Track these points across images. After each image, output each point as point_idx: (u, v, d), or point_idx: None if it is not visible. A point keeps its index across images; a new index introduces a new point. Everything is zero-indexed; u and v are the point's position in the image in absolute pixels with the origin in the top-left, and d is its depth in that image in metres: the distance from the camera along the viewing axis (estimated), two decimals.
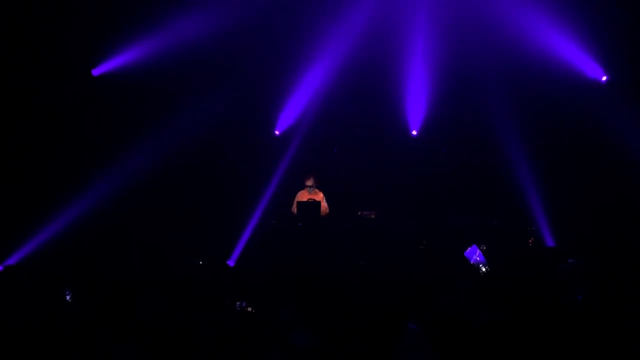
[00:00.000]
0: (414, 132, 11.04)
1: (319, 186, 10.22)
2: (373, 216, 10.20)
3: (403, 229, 9.87)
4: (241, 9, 10.29)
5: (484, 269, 7.19)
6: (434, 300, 5.45)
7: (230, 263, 9.20)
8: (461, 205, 10.46)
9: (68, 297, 5.87)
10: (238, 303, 4.51)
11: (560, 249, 9.27)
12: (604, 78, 10.34)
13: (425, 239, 9.39)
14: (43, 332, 4.76)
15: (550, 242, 9.69)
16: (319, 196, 10.12)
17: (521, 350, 4.49)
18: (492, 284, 6.45)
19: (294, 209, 10.09)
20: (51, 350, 4.58)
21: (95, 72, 10.48)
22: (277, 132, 11.18)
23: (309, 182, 10.11)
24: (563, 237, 9.65)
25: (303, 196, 10.13)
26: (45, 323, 4.94)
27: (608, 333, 4.61)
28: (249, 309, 4.40)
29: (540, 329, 4.64)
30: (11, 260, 8.94)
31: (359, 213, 10.27)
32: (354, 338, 4.58)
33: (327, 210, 10.13)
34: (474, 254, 7.68)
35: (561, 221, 9.89)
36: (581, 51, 10.22)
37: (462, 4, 10.28)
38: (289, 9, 10.53)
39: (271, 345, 4.40)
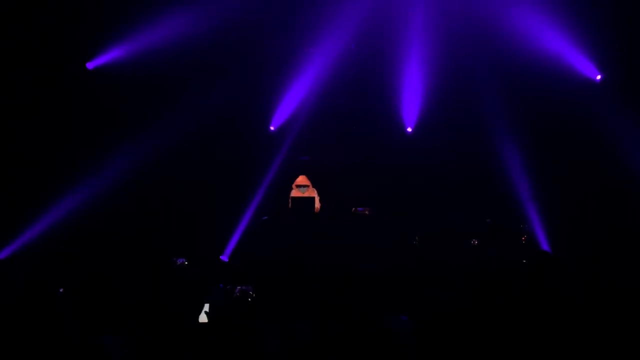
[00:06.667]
0: (409, 129, 11.07)
1: (313, 184, 10.18)
2: (367, 213, 10.20)
3: (397, 225, 9.87)
4: (238, 4, 10.28)
5: None
6: (425, 295, 5.47)
7: (224, 258, 9.18)
8: (455, 202, 10.48)
9: (60, 291, 5.83)
10: (238, 287, 4.49)
11: (554, 248, 9.31)
12: (599, 77, 10.41)
13: (418, 235, 9.40)
14: (34, 326, 4.73)
15: (543, 241, 9.72)
16: (314, 194, 10.09)
17: (511, 345, 4.51)
18: (485, 281, 6.47)
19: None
20: (43, 344, 4.55)
21: (90, 65, 10.44)
22: (272, 128, 11.17)
23: (302, 182, 10.08)
24: (556, 236, 9.68)
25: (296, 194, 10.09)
26: (37, 316, 4.91)
27: (600, 330, 4.64)
28: (251, 292, 4.38)
29: (533, 324, 4.66)
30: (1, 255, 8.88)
31: (354, 209, 10.27)
32: (345, 329, 4.59)
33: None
34: None
35: (554, 220, 9.92)
36: (576, 50, 10.28)
37: (457, 1, 10.33)
38: (285, 4, 10.54)
39: (266, 335, 4.39)
